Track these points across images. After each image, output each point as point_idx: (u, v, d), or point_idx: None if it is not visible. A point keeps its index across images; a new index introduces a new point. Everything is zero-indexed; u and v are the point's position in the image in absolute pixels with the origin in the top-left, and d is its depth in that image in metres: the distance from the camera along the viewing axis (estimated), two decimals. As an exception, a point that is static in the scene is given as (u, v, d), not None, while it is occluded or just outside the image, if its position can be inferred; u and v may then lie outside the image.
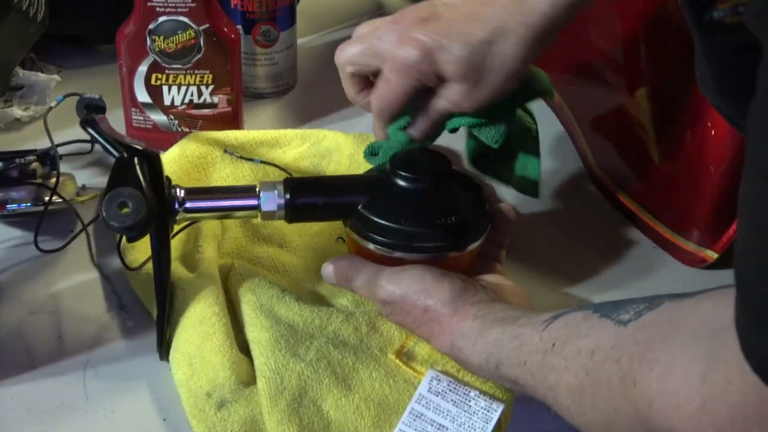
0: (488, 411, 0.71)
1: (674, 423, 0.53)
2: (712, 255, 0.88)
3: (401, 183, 0.77)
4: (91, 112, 0.84)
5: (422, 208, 0.76)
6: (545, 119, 1.04)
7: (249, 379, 0.75)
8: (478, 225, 0.77)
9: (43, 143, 0.91)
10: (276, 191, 0.77)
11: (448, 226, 0.75)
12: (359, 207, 0.76)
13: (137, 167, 0.74)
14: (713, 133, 0.85)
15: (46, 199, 0.86)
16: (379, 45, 0.78)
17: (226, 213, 0.80)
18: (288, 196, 0.77)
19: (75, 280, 0.87)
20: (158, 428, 0.75)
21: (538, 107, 1.03)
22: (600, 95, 0.98)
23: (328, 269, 0.78)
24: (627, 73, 0.94)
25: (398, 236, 0.75)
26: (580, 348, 0.61)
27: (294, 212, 0.78)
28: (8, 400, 0.76)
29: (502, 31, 0.74)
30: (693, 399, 0.51)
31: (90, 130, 0.79)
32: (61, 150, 0.90)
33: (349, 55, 0.80)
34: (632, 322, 0.58)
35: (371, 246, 0.76)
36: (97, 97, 0.87)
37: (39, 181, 0.88)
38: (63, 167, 0.90)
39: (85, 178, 0.96)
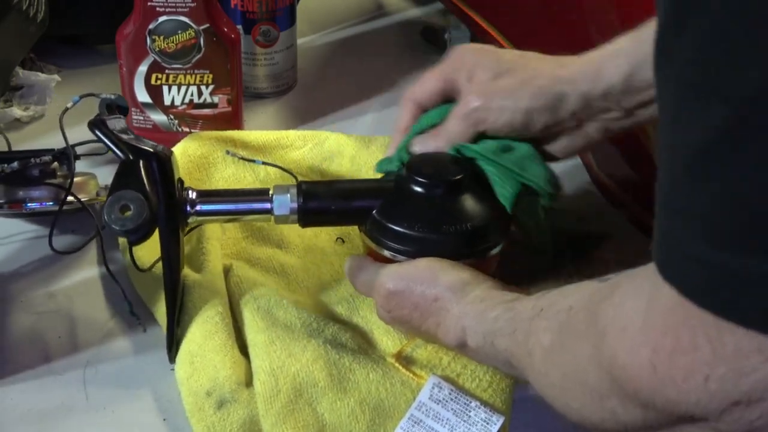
0: (488, 423, 0.71)
1: (617, 351, 0.51)
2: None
3: (417, 188, 0.75)
4: (113, 111, 0.82)
5: (439, 215, 0.74)
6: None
7: (249, 380, 0.75)
8: (497, 232, 0.75)
9: (44, 143, 0.90)
10: (289, 195, 0.76)
11: (465, 232, 0.73)
12: (374, 212, 0.75)
13: (142, 170, 0.74)
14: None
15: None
16: None
17: (238, 216, 0.79)
18: (301, 200, 0.76)
19: (76, 279, 0.87)
20: (158, 428, 0.75)
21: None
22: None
23: (345, 266, 0.78)
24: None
25: (414, 243, 0.73)
26: (561, 307, 0.60)
27: (307, 217, 0.77)
28: (8, 400, 0.76)
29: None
30: (636, 319, 0.50)
31: (97, 132, 0.77)
32: (80, 150, 0.88)
33: None
34: (613, 279, 0.57)
35: (386, 253, 0.74)
36: (113, 96, 0.85)
37: (58, 181, 0.86)
38: (84, 167, 0.88)
39: (108, 178, 0.93)
